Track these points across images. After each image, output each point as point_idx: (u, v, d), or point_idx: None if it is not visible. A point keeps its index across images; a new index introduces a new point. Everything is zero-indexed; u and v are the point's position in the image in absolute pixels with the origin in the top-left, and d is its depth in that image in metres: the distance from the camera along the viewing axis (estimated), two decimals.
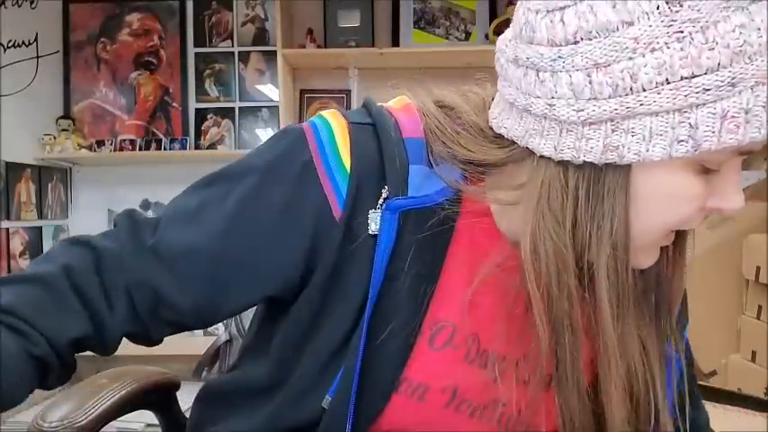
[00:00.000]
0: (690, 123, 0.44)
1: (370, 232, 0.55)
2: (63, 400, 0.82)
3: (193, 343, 2.34)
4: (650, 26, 0.44)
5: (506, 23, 2.41)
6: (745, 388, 2.13)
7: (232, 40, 2.98)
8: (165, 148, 2.86)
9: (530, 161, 0.52)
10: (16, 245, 2.61)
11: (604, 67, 0.45)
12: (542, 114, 0.49)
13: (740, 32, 0.43)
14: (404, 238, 0.55)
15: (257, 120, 2.97)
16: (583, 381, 0.54)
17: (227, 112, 2.97)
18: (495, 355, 0.58)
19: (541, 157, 0.50)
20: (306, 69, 2.95)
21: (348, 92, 2.93)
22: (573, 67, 0.46)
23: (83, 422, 0.77)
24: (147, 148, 2.86)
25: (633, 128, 0.46)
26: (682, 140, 0.45)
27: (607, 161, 0.47)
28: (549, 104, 0.48)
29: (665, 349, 0.60)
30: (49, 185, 2.83)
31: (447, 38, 2.86)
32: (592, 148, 0.47)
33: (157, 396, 0.94)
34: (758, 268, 2.15)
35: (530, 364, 0.56)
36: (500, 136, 0.54)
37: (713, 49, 0.43)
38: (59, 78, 2.94)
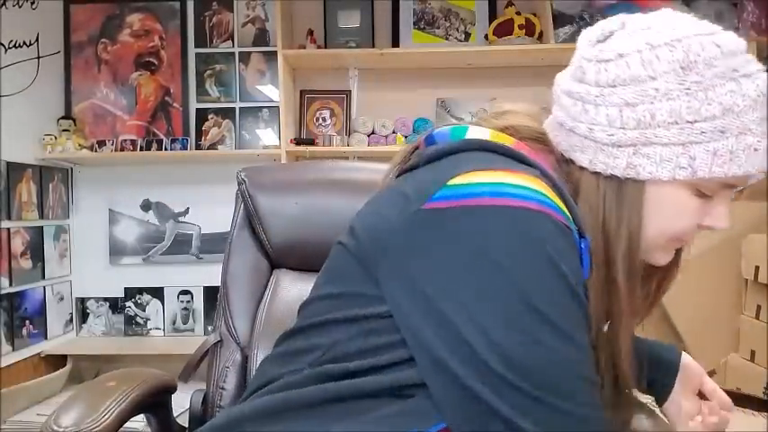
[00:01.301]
0: (689, 155, 0.61)
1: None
2: (72, 404, 0.80)
3: (189, 342, 2.34)
4: (667, 82, 0.61)
5: (506, 24, 2.45)
6: (744, 387, 2.14)
7: (233, 40, 2.98)
8: (165, 149, 2.86)
9: (572, 169, 0.68)
10: (17, 245, 2.61)
11: (632, 106, 0.62)
12: (584, 135, 0.65)
13: (731, 95, 0.60)
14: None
15: (258, 120, 2.98)
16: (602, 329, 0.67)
17: (227, 113, 2.97)
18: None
19: (580, 167, 0.67)
20: (306, 70, 2.96)
21: (348, 92, 2.94)
22: (610, 103, 0.63)
23: (98, 428, 0.76)
24: (148, 148, 2.87)
25: (648, 153, 0.62)
26: (683, 167, 0.62)
27: (627, 176, 0.64)
28: (590, 128, 0.65)
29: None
30: (51, 185, 2.84)
31: (447, 38, 2.87)
32: (617, 164, 0.64)
33: (157, 399, 0.94)
34: (757, 268, 2.16)
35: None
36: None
37: (711, 104, 0.60)
38: (60, 79, 2.94)
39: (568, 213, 0.61)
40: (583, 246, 0.63)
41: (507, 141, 0.67)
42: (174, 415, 1.02)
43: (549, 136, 0.71)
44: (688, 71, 0.60)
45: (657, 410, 0.89)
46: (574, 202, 0.64)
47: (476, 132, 0.68)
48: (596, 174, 0.65)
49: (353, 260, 0.67)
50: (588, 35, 0.68)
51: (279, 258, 1.08)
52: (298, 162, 2.68)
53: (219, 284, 1.08)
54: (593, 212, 0.65)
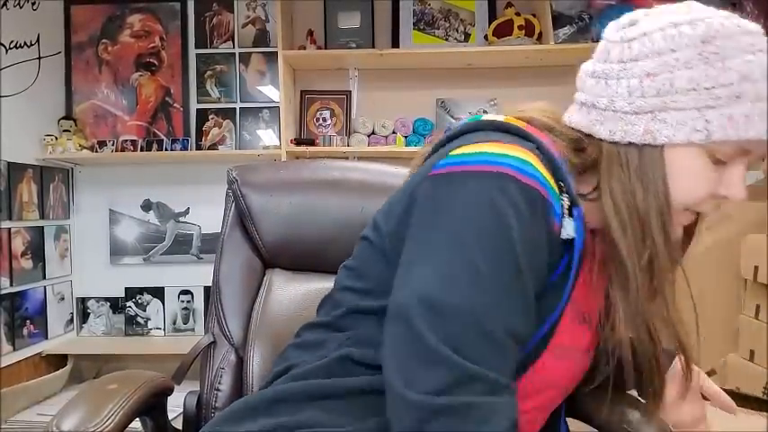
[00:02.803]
0: (705, 119, 0.64)
1: (564, 237, 0.68)
2: (74, 407, 0.79)
3: (189, 342, 2.34)
4: (687, 53, 0.64)
5: (505, 25, 2.45)
6: (743, 387, 2.13)
7: (233, 41, 2.99)
8: (166, 149, 2.87)
9: (591, 147, 0.72)
10: (18, 245, 2.62)
11: (653, 76, 0.66)
12: (604, 107, 0.69)
13: (748, 65, 0.63)
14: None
15: (258, 120, 2.98)
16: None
17: (228, 113, 2.98)
18: (590, 315, 0.77)
19: (599, 140, 0.70)
20: (306, 70, 2.96)
21: (348, 92, 2.94)
22: (632, 75, 0.67)
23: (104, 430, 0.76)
24: (149, 148, 2.88)
25: (665, 118, 0.65)
26: (698, 130, 0.64)
27: (645, 142, 0.67)
28: (611, 100, 0.68)
29: None
30: (51, 186, 2.85)
31: (446, 39, 2.87)
32: (635, 131, 0.67)
33: (155, 402, 0.93)
34: (756, 268, 2.16)
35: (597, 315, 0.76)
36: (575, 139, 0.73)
37: (728, 72, 0.63)
38: (61, 79, 2.96)
39: (553, 183, 0.67)
40: (575, 213, 0.68)
41: (519, 124, 0.72)
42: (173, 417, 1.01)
43: (570, 122, 0.74)
44: (708, 43, 0.63)
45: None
46: (567, 175, 0.69)
47: (490, 116, 0.74)
48: (615, 143, 0.69)
49: (378, 252, 0.74)
50: (615, 24, 0.72)
51: (272, 258, 1.08)
52: (289, 161, 2.69)
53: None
54: (618, 179, 0.68)
